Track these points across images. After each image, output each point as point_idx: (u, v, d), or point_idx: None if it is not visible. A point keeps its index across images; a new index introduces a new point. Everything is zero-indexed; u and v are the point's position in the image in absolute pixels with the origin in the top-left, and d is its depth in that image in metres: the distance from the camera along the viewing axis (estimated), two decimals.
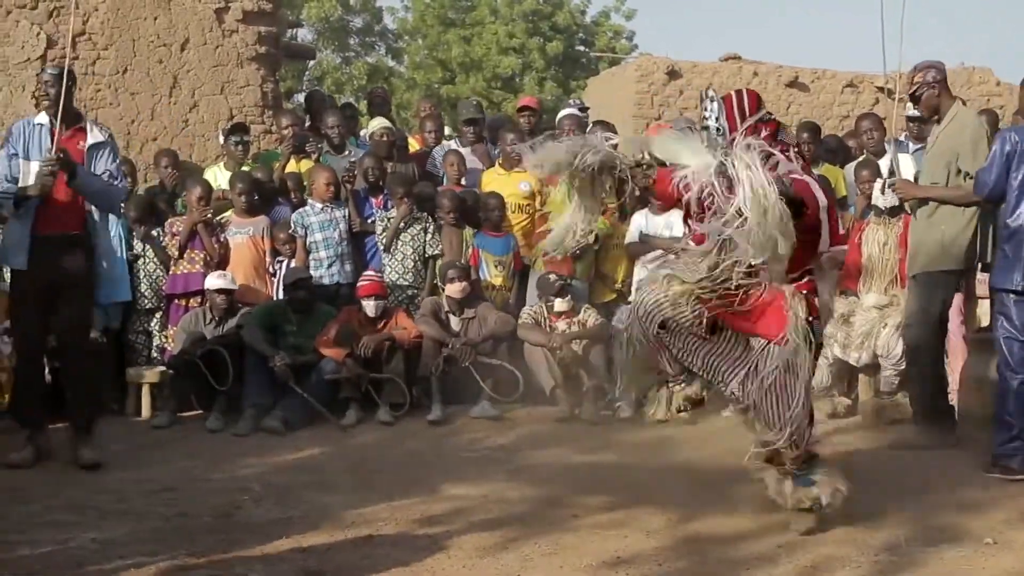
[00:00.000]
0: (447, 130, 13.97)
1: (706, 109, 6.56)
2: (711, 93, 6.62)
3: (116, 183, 8.16)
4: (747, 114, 6.41)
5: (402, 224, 10.53)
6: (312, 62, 27.18)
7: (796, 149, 6.53)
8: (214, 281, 10.00)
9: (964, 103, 9.25)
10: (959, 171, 8.32)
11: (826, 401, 9.63)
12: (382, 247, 10.57)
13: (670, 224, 10.43)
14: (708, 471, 7.91)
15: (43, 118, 7.94)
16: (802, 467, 6.39)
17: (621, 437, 9.06)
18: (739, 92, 6.58)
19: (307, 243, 10.50)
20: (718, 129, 6.41)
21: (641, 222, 10.38)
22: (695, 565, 5.84)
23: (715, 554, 5.99)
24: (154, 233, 10.41)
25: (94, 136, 8.07)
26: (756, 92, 6.66)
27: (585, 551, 6.04)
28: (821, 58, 62.91)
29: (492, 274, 10.63)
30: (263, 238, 10.56)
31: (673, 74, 14.82)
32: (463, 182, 11.21)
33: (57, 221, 7.90)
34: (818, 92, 14.84)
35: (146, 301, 10.39)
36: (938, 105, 8.48)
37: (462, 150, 11.62)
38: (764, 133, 6.32)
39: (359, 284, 10.13)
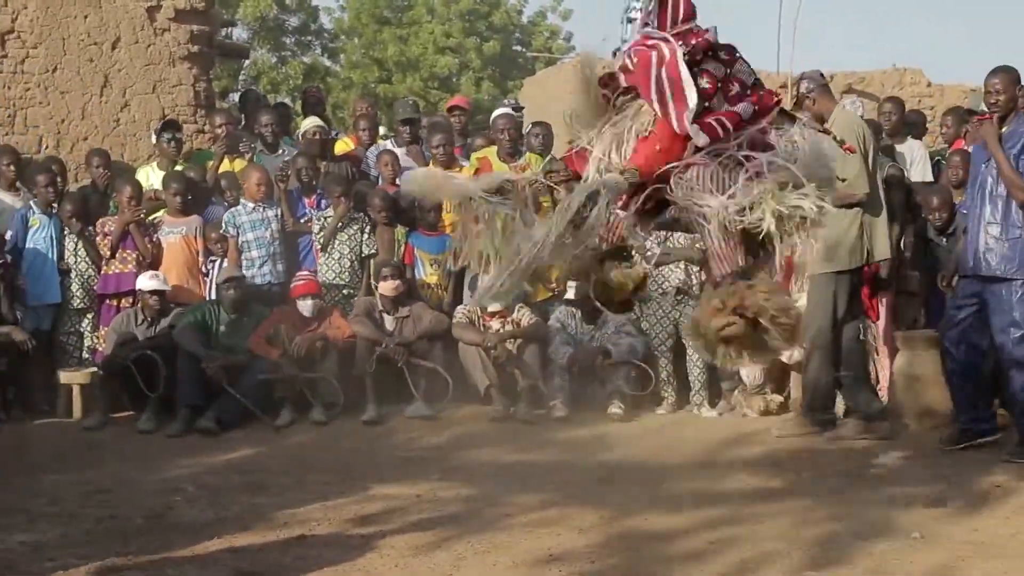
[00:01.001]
0: (382, 130, 13.93)
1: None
2: None
3: None
4: (680, 20, 6.12)
5: (339, 224, 10.51)
6: (247, 61, 27.02)
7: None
8: (146, 282, 9.93)
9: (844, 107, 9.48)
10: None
11: (759, 398, 9.74)
12: (319, 246, 10.53)
13: None
14: (641, 469, 7.99)
15: None
16: None
17: (555, 436, 9.12)
18: None
19: (239, 243, 10.44)
20: (646, 24, 6.18)
21: None
22: (627, 562, 5.87)
23: (647, 551, 6.03)
24: (87, 232, 10.32)
25: None
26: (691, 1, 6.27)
27: (518, 549, 6.06)
28: (764, 60, 63.19)
29: (427, 273, 10.63)
30: (196, 238, 10.50)
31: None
32: (398, 182, 11.20)
33: None
34: None
35: (77, 301, 10.31)
36: (820, 111, 8.76)
37: (397, 150, 11.60)
38: (695, 42, 6.05)
39: (294, 284, 10.10)
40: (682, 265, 10.03)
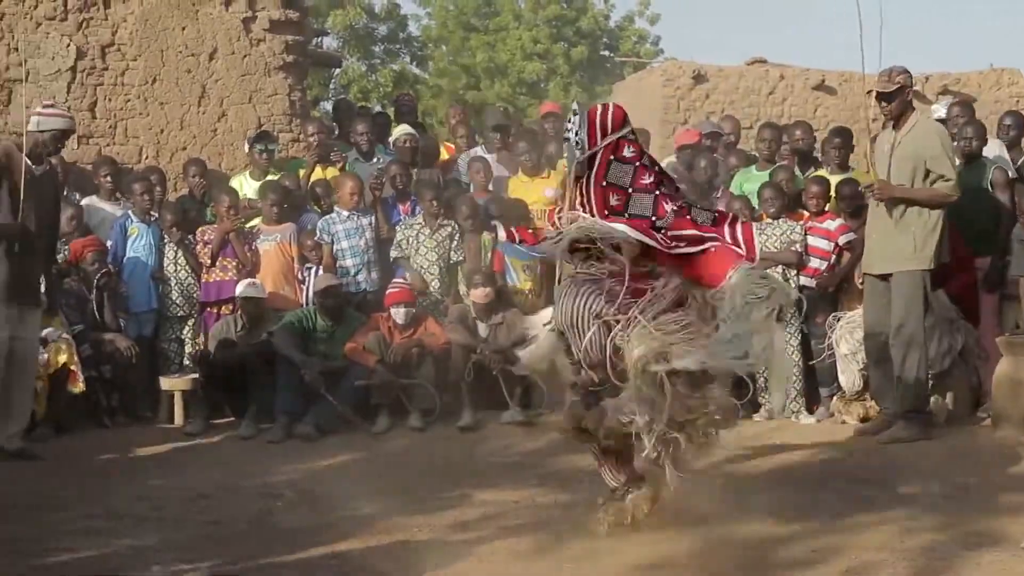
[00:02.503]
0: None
1: (569, 121, 6.51)
2: (575, 106, 6.59)
3: None
4: (608, 130, 6.36)
5: (428, 231, 10.56)
6: (338, 70, 27.24)
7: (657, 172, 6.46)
8: (244, 289, 10.05)
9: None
10: (926, 174, 8.75)
11: (858, 405, 9.64)
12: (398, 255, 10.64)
13: None
14: (739, 476, 7.93)
15: None
16: None
17: None
18: (605, 107, 6.53)
19: (334, 250, 10.53)
20: (577, 143, 6.38)
21: None
22: (728, 570, 5.85)
23: (748, 559, 5.99)
24: (186, 241, 10.49)
25: None
26: (623, 109, 6.55)
27: (619, 556, 6.05)
28: (848, 60, 62.63)
29: (520, 279, 10.64)
30: (290, 245, 10.60)
31: (699, 78, 14.78)
32: (490, 188, 11.23)
33: None
34: (846, 95, 14.77)
35: (177, 308, 10.46)
36: (903, 110, 8.86)
37: (487, 156, 11.63)
38: (627, 152, 6.35)
39: (388, 291, 10.15)
40: (778, 270, 9.96)
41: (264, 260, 10.54)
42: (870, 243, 9.07)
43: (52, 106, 8.99)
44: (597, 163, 6.32)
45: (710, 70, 14.94)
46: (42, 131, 8.53)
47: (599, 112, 6.42)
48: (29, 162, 8.29)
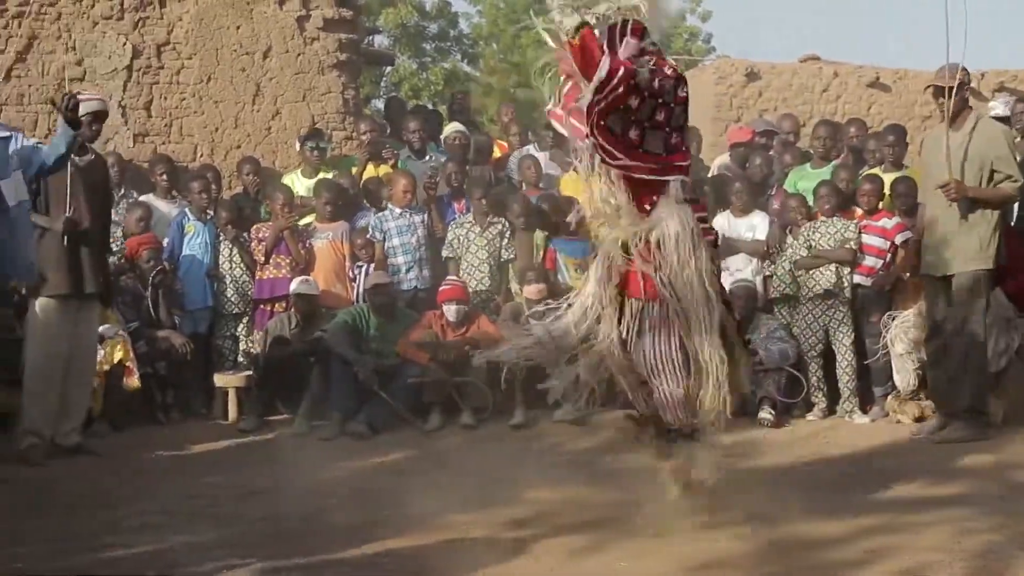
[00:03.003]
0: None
1: None
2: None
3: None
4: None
5: (479, 228, 10.57)
6: (390, 68, 27.30)
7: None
8: (297, 286, 10.10)
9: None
10: (991, 175, 8.77)
11: (913, 404, 9.58)
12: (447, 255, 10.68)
13: (753, 226, 10.42)
14: (793, 475, 7.90)
15: None
16: None
17: None
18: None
19: (385, 248, 10.56)
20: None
21: (723, 224, 10.33)
22: (783, 569, 5.81)
23: (803, 559, 5.95)
24: (241, 239, 10.57)
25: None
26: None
27: (671, 555, 6.02)
28: (903, 57, 62.15)
29: (572, 277, 10.61)
30: (343, 242, 10.64)
31: (752, 76, 14.68)
32: (541, 186, 11.22)
33: None
34: (900, 92, 14.64)
35: (232, 306, 10.54)
36: (961, 107, 8.88)
37: (539, 155, 11.63)
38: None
39: (441, 288, 10.17)
40: (832, 268, 9.91)
41: (317, 257, 10.59)
42: (932, 243, 8.99)
43: (82, 92, 8.97)
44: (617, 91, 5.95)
45: (763, 67, 14.83)
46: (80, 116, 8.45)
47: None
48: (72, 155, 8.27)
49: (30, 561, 6.03)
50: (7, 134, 7.53)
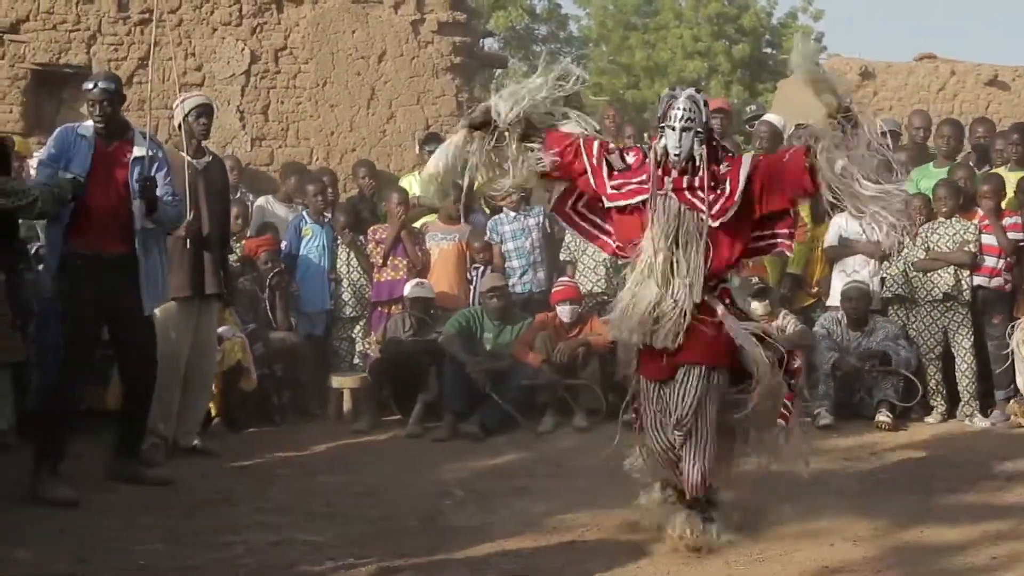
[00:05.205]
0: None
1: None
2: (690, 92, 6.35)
3: (173, 206, 7.83)
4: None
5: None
6: (501, 71, 27.40)
7: None
8: (411, 289, 10.16)
9: None
10: None
11: None
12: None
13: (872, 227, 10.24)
14: (912, 479, 7.78)
15: (88, 128, 7.64)
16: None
17: (821, 444, 8.92)
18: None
19: (502, 251, 10.60)
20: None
21: (842, 224, 10.20)
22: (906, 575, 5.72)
23: (926, 564, 5.89)
24: (358, 242, 10.66)
25: (139, 148, 7.69)
26: None
27: (790, 560, 5.99)
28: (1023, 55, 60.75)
29: None
30: (465, 244, 10.69)
31: (866, 75, 14.49)
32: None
33: (98, 238, 7.50)
34: (1019, 91, 14.35)
35: (349, 309, 10.64)
36: None
37: None
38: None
39: (554, 289, 10.16)
40: (951, 270, 9.74)
41: (441, 258, 10.63)
42: None
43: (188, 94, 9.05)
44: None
45: (878, 66, 14.64)
46: (187, 116, 8.48)
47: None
48: (189, 158, 8.36)
49: (152, 558, 6.15)
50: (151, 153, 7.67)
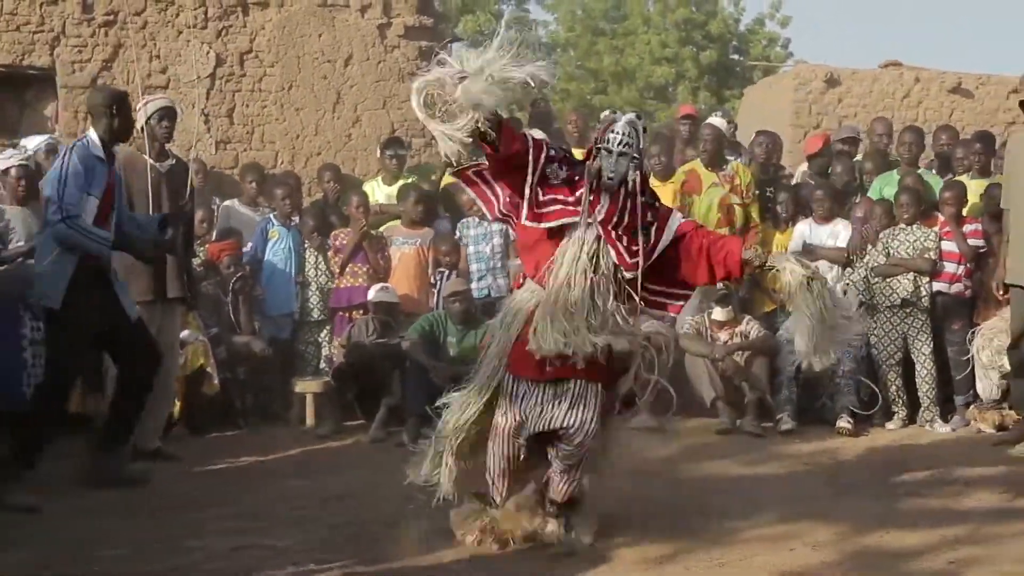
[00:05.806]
0: None
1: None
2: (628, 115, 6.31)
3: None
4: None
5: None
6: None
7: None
8: (376, 294, 10.15)
9: None
10: None
11: (994, 413, 9.47)
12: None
13: (835, 233, 10.33)
14: (873, 484, 7.83)
15: (99, 148, 7.67)
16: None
17: (783, 449, 9.00)
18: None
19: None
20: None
21: (805, 231, 10.27)
22: None
23: (886, 568, 5.93)
24: (326, 246, 10.67)
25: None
26: None
27: (749, 565, 6.01)
28: (986, 62, 61.22)
29: None
30: (427, 249, 10.67)
31: (831, 82, 14.58)
32: None
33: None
34: (983, 98, 14.47)
35: (316, 313, 10.63)
36: None
37: None
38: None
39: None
40: (910, 276, 9.83)
41: (401, 263, 10.62)
42: (1017, 253, 8.84)
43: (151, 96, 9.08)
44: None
45: (843, 73, 14.73)
46: (149, 118, 8.46)
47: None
48: (152, 161, 8.33)
49: (111, 563, 6.12)
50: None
